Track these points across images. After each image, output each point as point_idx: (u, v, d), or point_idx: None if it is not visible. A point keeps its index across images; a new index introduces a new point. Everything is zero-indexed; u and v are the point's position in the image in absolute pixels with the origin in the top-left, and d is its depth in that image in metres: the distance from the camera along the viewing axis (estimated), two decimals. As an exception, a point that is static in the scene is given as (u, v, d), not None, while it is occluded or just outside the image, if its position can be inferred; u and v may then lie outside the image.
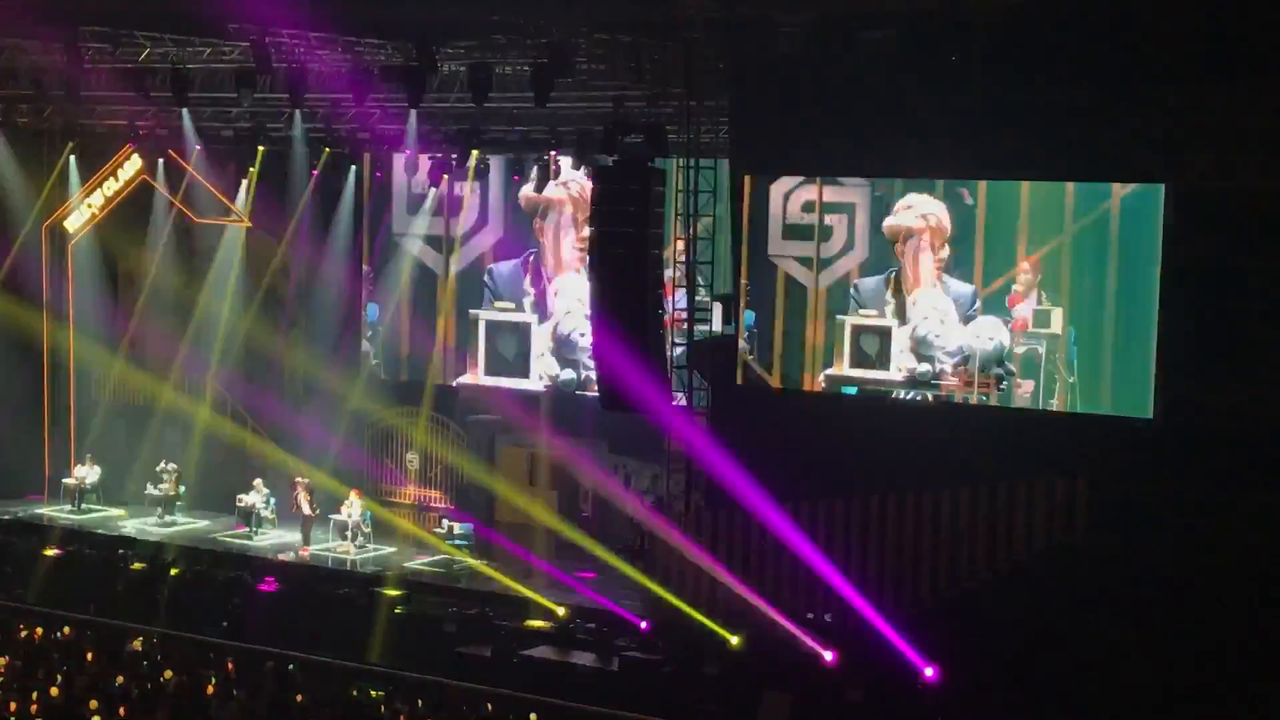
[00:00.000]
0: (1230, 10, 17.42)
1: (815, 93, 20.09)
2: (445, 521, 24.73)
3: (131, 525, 26.04)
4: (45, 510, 26.74)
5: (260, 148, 26.66)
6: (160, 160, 27.23)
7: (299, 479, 25.12)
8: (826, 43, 19.91)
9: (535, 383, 25.77)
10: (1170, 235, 18.42)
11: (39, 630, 19.74)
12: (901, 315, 20.56)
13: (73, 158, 27.69)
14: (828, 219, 20.87)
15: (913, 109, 19.29)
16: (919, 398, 20.40)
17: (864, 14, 19.66)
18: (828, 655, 18.69)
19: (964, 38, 19.06)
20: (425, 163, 25.27)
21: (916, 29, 19.31)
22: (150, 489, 26.48)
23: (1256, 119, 17.60)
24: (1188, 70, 17.51)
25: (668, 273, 21.77)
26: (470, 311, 26.33)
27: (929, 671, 18.30)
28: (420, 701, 17.41)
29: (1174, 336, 18.40)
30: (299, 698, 17.07)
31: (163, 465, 26.51)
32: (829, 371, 20.87)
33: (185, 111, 25.33)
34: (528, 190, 25.36)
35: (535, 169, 25.04)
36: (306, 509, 24.78)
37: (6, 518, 26.29)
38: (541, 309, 25.82)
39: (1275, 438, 17.58)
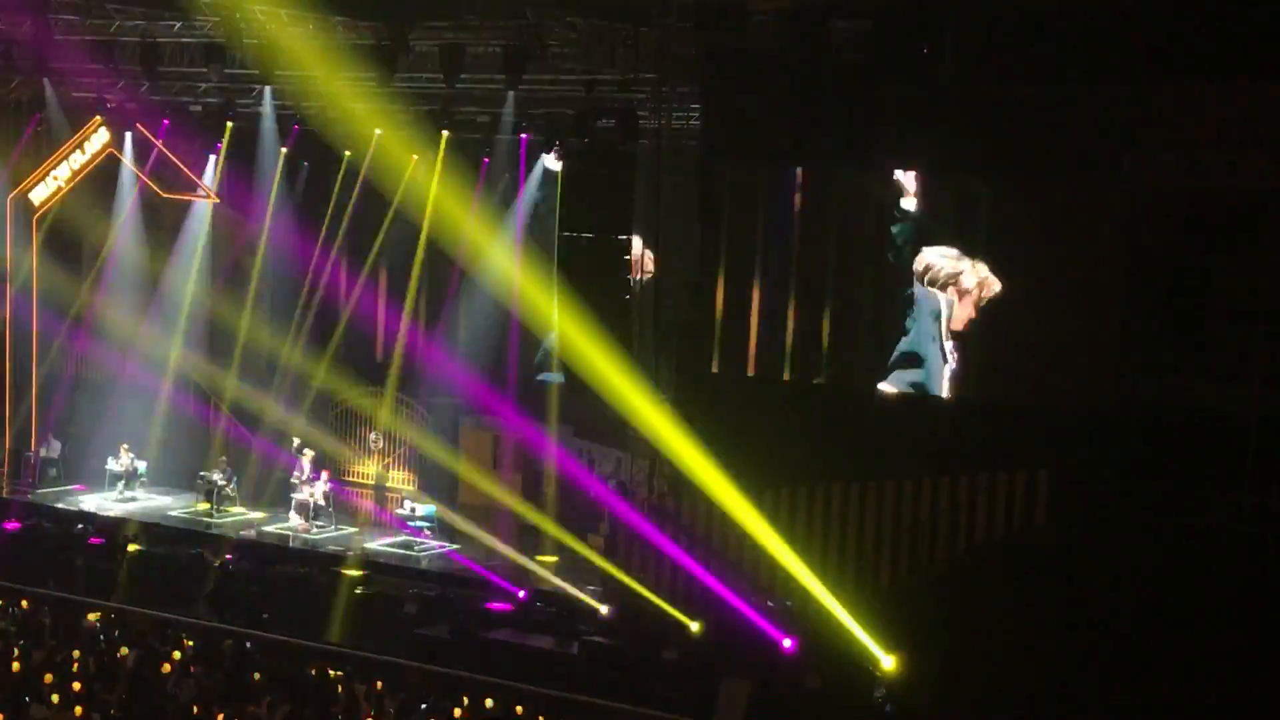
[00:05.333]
0: (1196, 7, 17.50)
1: (787, 80, 20.11)
2: (407, 502, 24.69)
3: (91, 500, 25.95)
4: (5, 484, 26.57)
5: (229, 123, 26.53)
6: (128, 134, 27.07)
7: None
8: (799, 31, 19.91)
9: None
10: (1132, 230, 18.52)
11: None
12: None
13: (39, 129, 27.51)
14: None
15: (883, 99, 19.33)
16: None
17: (837, 3, 19.68)
18: (787, 643, 18.74)
19: (935, 29, 19.10)
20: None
21: (888, 19, 19.35)
22: (111, 464, 26.36)
23: (1220, 116, 17.70)
24: (1154, 67, 17.59)
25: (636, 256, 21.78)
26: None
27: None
28: (379, 682, 17.38)
29: (1134, 330, 18.51)
30: (257, 676, 17.01)
31: (124, 448, 26.44)
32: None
33: (154, 85, 25.17)
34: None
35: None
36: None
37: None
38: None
39: (1232, 432, 17.71)
